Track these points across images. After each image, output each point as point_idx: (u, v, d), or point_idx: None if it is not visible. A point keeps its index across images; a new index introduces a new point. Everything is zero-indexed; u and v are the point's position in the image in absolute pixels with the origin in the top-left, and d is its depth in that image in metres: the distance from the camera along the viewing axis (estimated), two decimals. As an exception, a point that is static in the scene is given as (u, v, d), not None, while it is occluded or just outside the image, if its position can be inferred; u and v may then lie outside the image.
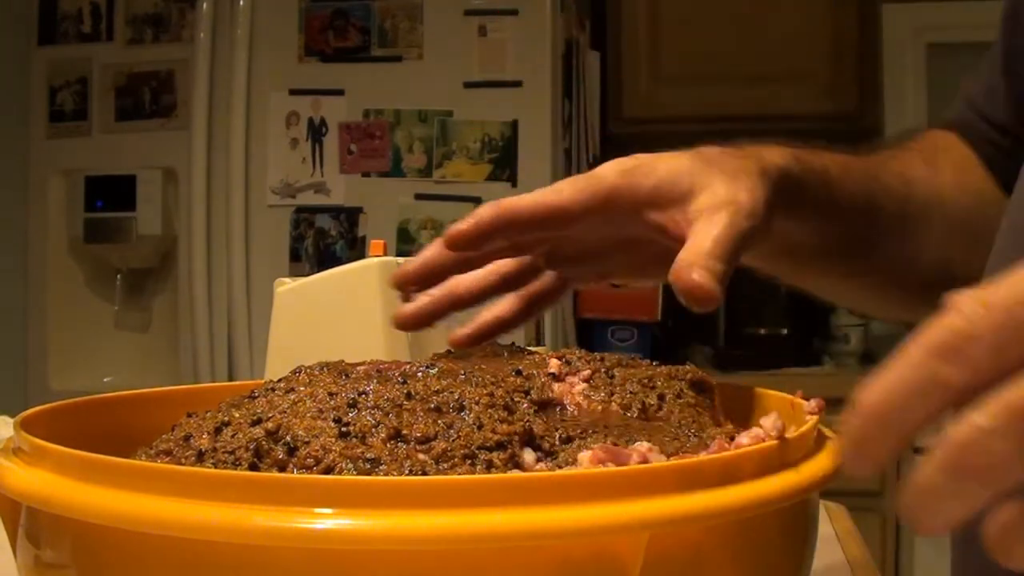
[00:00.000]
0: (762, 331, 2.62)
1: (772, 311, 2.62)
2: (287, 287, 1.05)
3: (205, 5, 2.31)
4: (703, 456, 0.39)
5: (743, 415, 0.54)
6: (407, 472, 0.38)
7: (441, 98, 2.28)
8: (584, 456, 0.39)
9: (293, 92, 2.33)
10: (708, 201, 0.53)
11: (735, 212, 0.52)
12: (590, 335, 2.53)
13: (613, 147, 2.76)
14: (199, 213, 2.31)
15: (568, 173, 2.39)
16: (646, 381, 0.50)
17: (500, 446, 0.39)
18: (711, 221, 0.52)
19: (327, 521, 0.32)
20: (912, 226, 0.68)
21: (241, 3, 2.30)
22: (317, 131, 2.33)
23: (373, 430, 0.40)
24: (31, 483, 0.36)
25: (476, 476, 0.37)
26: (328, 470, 0.38)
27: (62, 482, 0.35)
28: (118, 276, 2.43)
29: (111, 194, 2.36)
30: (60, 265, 2.45)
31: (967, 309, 0.28)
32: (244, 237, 2.31)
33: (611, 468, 0.36)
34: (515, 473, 0.38)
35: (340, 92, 2.33)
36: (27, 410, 0.45)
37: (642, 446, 0.39)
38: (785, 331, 2.61)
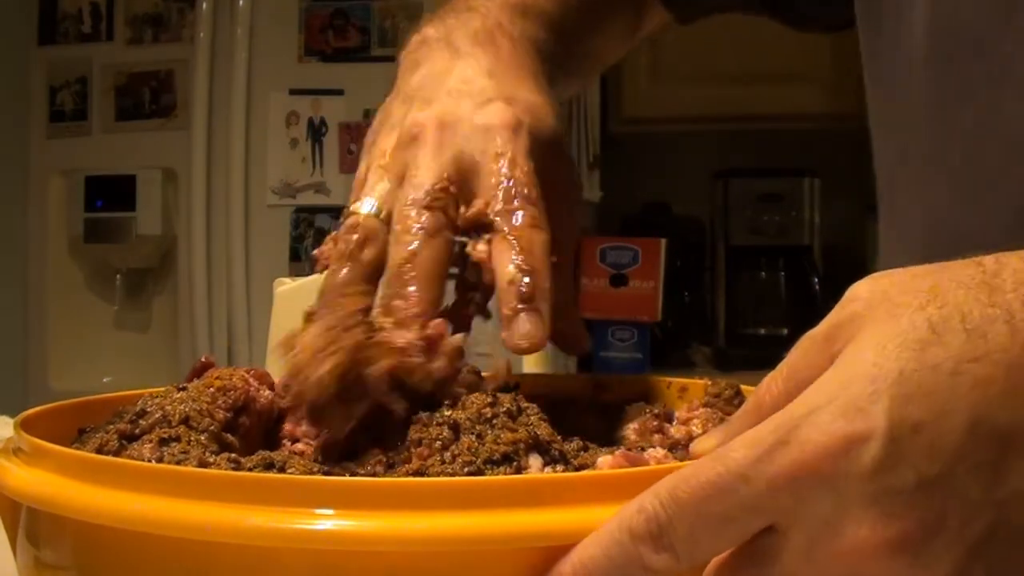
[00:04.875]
0: (762, 331, 2.62)
1: (772, 311, 2.62)
2: (287, 287, 1.06)
3: (205, 5, 2.31)
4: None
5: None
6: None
7: (441, 98, 2.28)
8: (603, 461, 0.38)
9: (293, 92, 2.33)
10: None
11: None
12: (590, 335, 2.53)
13: (613, 147, 2.76)
14: (199, 213, 2.31)
15: (568, 173, 2.38)
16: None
17: (506, 459, 0.38)
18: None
19: (327, 522, 0.32)
20: None
21: (241, 3, 2.30)
22: (317, 131, 2.33)
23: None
24: (31, 483, 0.36)
25: (477, 478, 0.37)
26: None
27: (62, 482, 0.35)
28: (118, 276, 2.43)
29: (111, 194, 2.36)
30: (60, 265, 2.45)
31: (661, 499, 0.31)
32: (244, 237, 2.31)
33: (626, 469, 0.36)
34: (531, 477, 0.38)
35: (340, 92, 2.33)
36: (27, 410, 0.45)
37: (658, 452, 0.39)
38: (785, 331, 2.61)
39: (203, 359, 0.50)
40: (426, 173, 0.47)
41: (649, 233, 2.65)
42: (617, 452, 0.39)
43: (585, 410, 0.54)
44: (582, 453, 0.40)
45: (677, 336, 2.67)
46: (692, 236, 2.79)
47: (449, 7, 0.57)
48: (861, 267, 2.86)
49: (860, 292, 0.34)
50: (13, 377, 2.42)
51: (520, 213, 0.46)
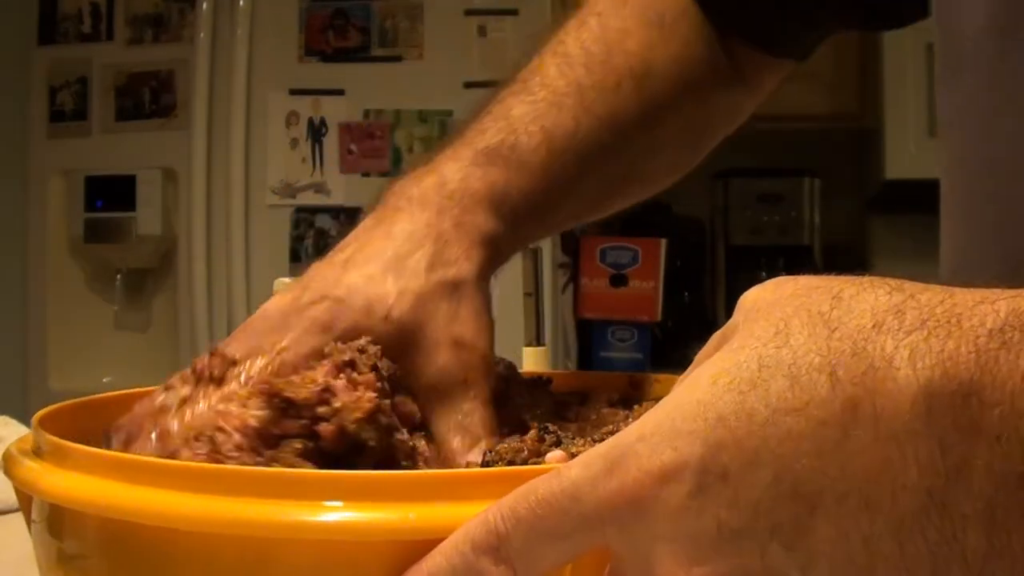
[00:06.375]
0: (762, 331, 2.62)
1: (772, 311, 2.62)
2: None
3: (205, 5, 2.31)
4: None
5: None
6: None
7: (441, 98, 2.28)
8: (552, 456, 0.40)
9: (293, 92, 2.33)
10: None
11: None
12: (590, 335, 2.52)
13: (613, 147, 2.76)
14: (199, 213, 2.31)
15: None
16: None
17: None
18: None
19: (334, 514, 0.32)
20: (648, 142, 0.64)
21: (241, 3, 2.31)
22: (317, 131, 2.33)
23: None
24: (69, 487, 0.36)
25: (488, 469, 0.37)
26: None
27: (97, 483, 0.35)
28: (118, 276, 2.43)
29: (111, 194, 2.36)
30: (60, 265, 2.45)
31: (502, 512, 0.32)
32: (244, 237, 2.32)
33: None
34: (529, 466, 0.39)
35: (340, 92, 2.33)
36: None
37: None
38: (785, 331, 2.61)
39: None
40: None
41: (649, 233, 2.65)
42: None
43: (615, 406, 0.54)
44: (585, 439, 0.41)
45: (677, 336, 2.67)
46: (692, 236, 2.79)
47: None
48: (861, 267, 2.85)
49: (745, 302, 0.34)
50: (13, 377, 2.42)
51: None
